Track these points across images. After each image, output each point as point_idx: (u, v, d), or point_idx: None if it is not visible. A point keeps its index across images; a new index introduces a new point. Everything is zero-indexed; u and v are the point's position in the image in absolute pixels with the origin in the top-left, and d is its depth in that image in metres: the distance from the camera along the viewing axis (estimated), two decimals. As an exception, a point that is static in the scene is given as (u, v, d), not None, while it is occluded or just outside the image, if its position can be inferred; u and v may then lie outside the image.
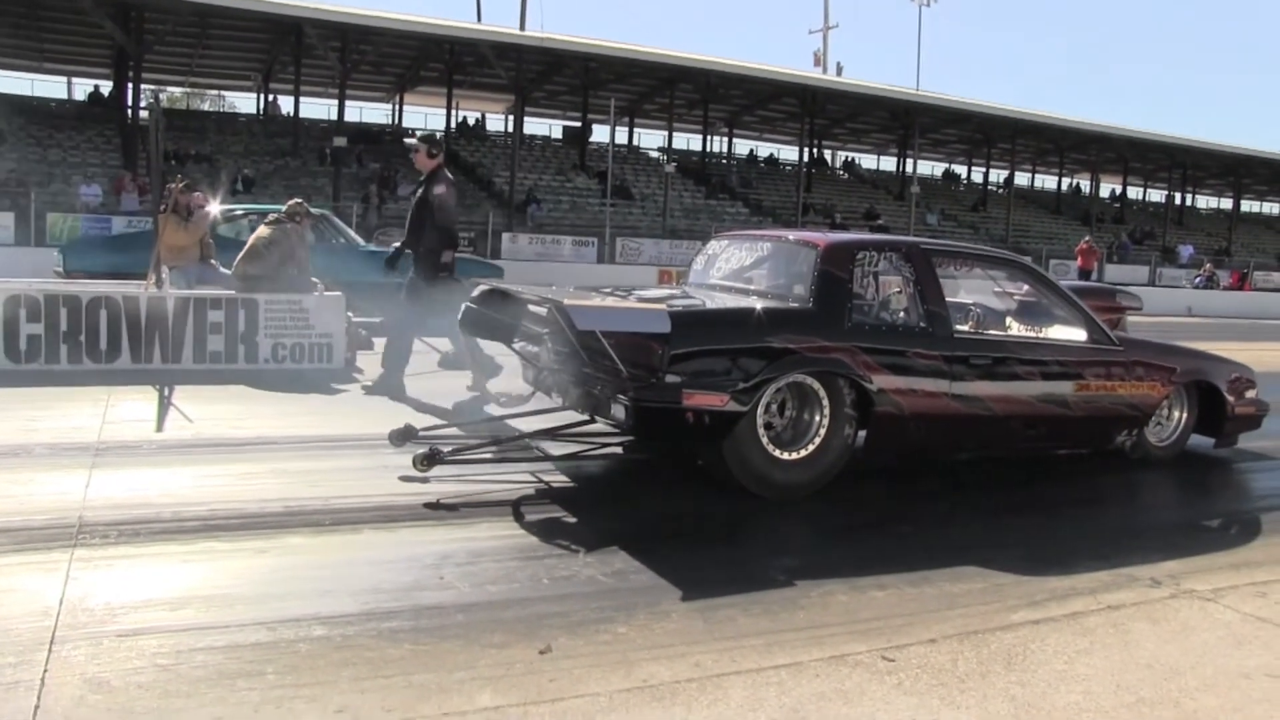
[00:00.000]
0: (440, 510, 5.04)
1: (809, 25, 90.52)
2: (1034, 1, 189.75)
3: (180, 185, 10.69)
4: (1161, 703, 3.31)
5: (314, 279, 9.99)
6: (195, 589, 3.83)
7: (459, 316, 6.71)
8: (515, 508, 5.14)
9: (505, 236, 28.20)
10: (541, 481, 5.68)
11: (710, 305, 6.03)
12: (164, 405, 7.38)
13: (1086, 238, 31.66)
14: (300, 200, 10.46)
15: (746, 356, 5.39)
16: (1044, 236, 42.37)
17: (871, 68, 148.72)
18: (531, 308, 6.08)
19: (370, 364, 9.63)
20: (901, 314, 6.11)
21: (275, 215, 10.03)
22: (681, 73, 33.84)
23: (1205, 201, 60.04)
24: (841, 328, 5.73)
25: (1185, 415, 7.31)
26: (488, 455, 5.93)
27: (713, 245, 7.22)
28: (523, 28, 37.66)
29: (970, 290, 6.91)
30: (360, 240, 14.28)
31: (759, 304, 5.87)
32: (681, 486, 5.90)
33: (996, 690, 3.32)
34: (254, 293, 9.26)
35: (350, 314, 9.82)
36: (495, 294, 6.53)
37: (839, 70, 48.71)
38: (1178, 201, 51.90)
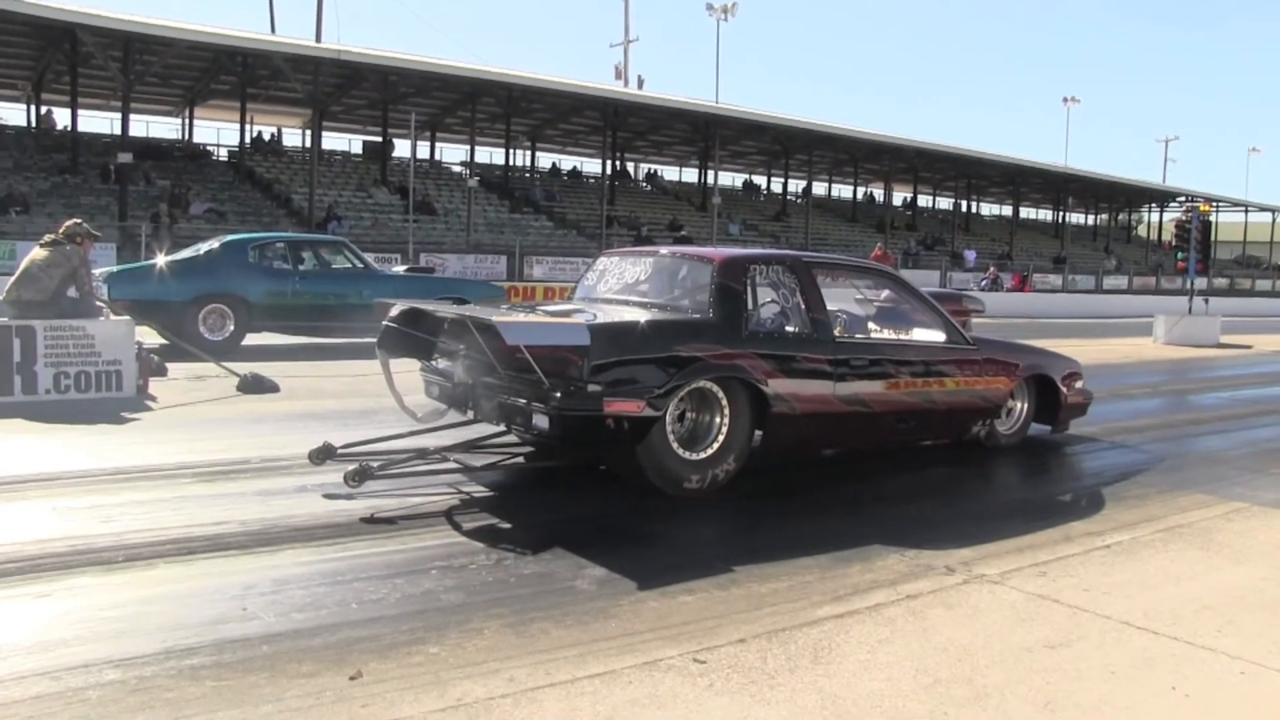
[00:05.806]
0: (241, 538, 4.85)
1: (610, 39, 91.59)
2: (832, 17, 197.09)
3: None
4: (956, 681, 3.49)
5: (100, 303, 9.48)
6: (-32, 641, 3.56)
7: (378, 336, 6.67)
8: (322, 533, 4.99)
9: (306, 254, 27.33)
10: (392, 501, 5.52)
11: (617, 318, 6.13)
12: (-68, 443, 6.85)
13: (879, 244, 33.00)
14: (79, 220, 9.95)
15: (658, 365, 5.71)
16: (841, 244, 43.99)
17: (673, 81, 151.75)
18: (448, 325, 6.19)
19: (164, 391, 9.22)
20: (790, 322, 6.46)
21: (52, 237, 9.49)
22: (483, 86, 33.70)
23: (989, 209, 63.68)
24: (740, 336, 6.11)
25: (1027, 406, 8.06)
26: (415, 469, 6.05)
27: (603, 261, 7.43)
28: (319, 39, 36.90)
29: (832, 299, 7.22)
30: (377, 266, 15.62)
31: (665, 315, 6.18)
32: (478, 506, 5.83)
33: (805, 684, 3.42)
34: (29, 319, 8.73)
35: (141, 340, 9.36)
36: (412, 313, 6.54)
37: (640, 84, 49.53)
38: (964, 209, 54.85)
